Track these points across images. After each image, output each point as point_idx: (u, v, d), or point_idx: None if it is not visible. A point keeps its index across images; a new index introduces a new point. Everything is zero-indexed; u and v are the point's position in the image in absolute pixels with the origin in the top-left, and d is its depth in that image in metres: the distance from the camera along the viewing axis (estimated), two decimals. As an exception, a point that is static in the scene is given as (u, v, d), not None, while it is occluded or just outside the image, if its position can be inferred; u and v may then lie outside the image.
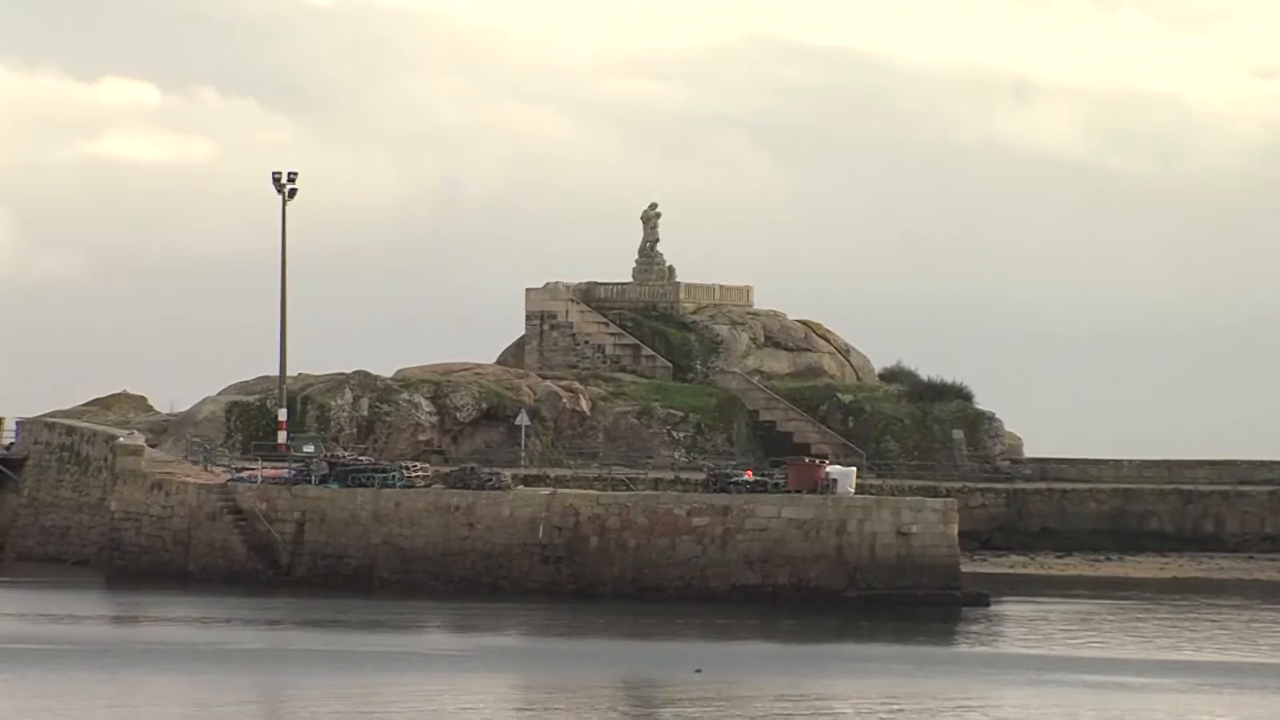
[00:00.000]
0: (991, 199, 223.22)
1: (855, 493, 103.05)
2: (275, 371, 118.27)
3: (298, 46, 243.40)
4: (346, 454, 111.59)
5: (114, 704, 59.38)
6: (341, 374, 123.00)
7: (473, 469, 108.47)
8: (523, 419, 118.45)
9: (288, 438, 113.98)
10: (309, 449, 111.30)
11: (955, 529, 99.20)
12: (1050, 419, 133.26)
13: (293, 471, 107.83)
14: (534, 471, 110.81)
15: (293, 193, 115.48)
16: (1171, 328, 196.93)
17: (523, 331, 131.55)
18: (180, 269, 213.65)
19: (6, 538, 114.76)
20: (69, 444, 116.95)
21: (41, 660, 70.10)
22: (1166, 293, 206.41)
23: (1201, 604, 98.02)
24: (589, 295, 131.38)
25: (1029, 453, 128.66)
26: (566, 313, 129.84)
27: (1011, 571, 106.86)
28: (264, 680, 67.32)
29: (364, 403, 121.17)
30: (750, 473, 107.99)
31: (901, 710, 60.86)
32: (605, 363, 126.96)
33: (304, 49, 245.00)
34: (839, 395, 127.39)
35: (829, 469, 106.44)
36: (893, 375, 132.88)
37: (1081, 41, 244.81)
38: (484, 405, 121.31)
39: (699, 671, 67.42)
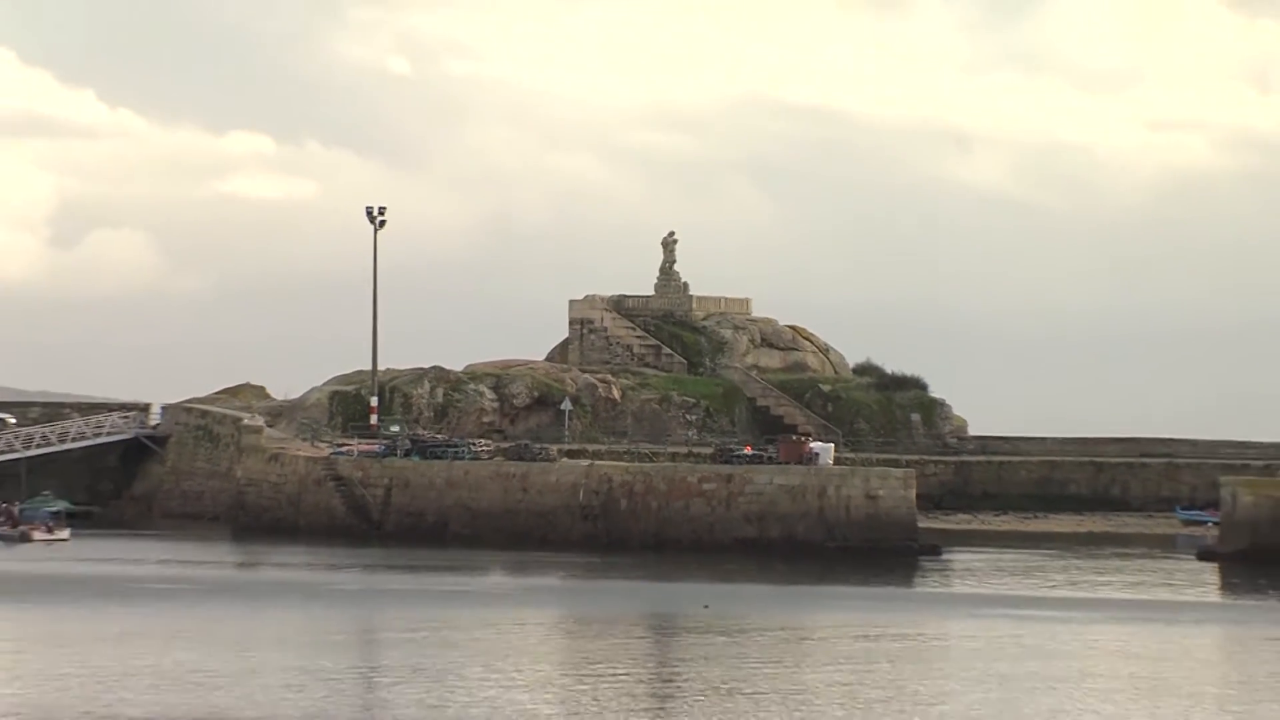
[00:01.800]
0: (940, 227, 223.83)
1: (833, 464, 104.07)
2: (368, 366, 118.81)
3: (384, 105, 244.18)
4: (425, 433, 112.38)
5: (239, 631, 59.97)
6: (421, 368, 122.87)
7: (526, 445, 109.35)
8: (566, 405, 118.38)
9: (378, 420, 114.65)
10: (395, 429, 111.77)
11: (913, 493, 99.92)
12: (990, 404, 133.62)
13: (382, 447, 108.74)
14: (575, 447, 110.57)
15: (382, 223, 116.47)
16: (1085, 331, 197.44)
17: (566, 334, 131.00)
18: (291, 284, 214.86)
19: (154, 500, 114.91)
20: (203, 425, 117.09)
21: (182, 596, 70.89)
22: (1080, 303, 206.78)
23: (1109, 553, 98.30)
24: (619, 305, 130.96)
25: (973, 431, 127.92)
26: (601, 320, 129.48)
27: (958, 527, 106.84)
28: (360, 613, 68.11)
29: (439, 391, 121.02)
30: (749, 448, 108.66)
31: (871, 636, 61.66)
32: (632, 360, 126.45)
33: (389, 107, 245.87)
34: (820, 386, 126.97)
35: (812, 445, 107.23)
36: (863, 369, 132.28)
37: (1011, 101, 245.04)
38: (535, 394, 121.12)
39: (707, 607, 68.05)
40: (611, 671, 51.88)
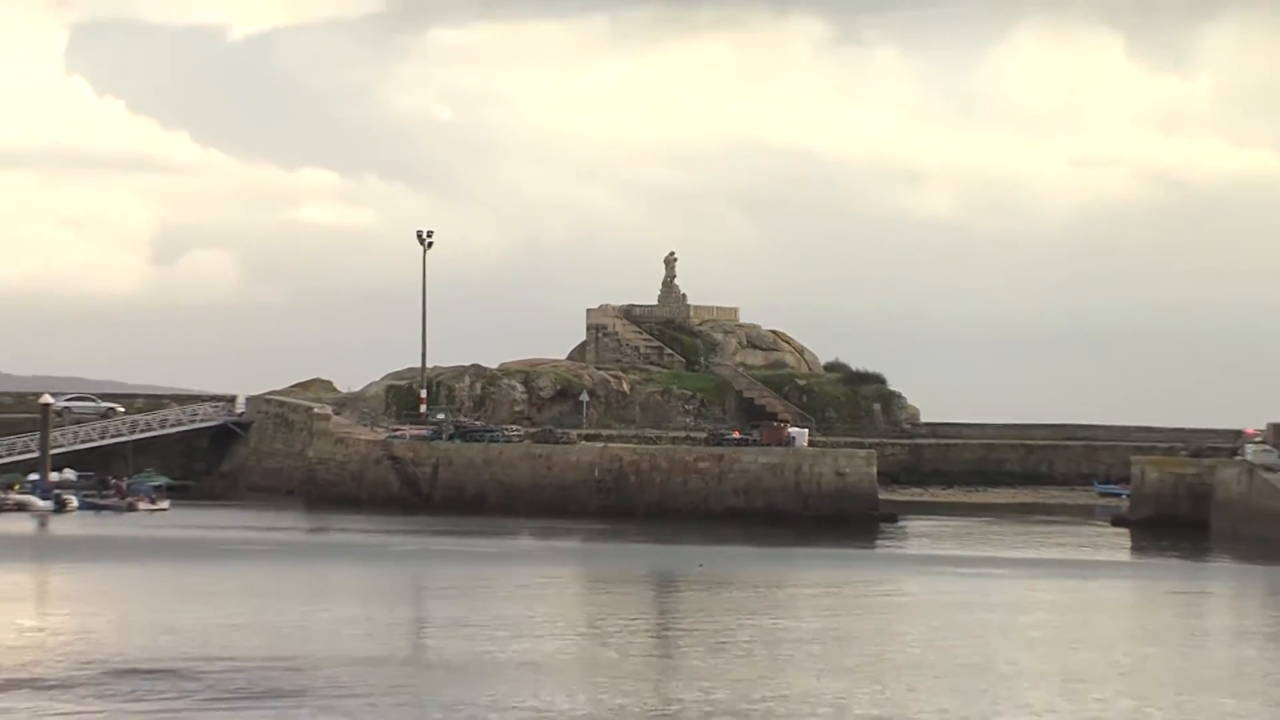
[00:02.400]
0: (897, 247, 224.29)
1: (807, 446, 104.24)
2: (418, 364, 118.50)
3: (431, 146, 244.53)
4: (466, 420, 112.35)
5: (310, 585, 60.24)
6: (462, 366, 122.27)
7: (550, 430, 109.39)
8: (584, 396, 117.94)
9: (426, 409, 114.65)
10: (441, 416, 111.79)
11: (874, 470, 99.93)
12: (939, 396, 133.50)
13: (430, 432, 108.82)
14: (591, 432, 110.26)
15: (430, 245, 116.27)
16: (1018, 334, 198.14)
17: (584, 338, 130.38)
18: (353, 295, 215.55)
19: (239, 476, 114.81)
20: (280, 413, 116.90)
21: (261, 556, 71.02)
22: (1015, 311, 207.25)
23: (1038, 520, 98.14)
24: (628, 313, 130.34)
25: (924, 418, 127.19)
26: (613, 325, 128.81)
27: (912, 499, 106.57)
28: (413, 569, 68.05)
29: (477, 385, 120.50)
30: (737, 432, 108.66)
31: (839, 588, 61.96)
32: (639, 359, 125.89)
33: (435, 148, 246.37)
34: (796, 380, 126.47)
35: (790, 430, 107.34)
36: (832, 367, 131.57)
37: (956, 141, 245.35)
38: (558, 387, 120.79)
39: (701, 566, 68.41)
40: (621, 619, 52.04)
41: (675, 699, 35.20)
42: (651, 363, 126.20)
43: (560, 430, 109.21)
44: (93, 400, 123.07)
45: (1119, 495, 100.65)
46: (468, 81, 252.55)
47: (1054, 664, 42.18)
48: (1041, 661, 42.58)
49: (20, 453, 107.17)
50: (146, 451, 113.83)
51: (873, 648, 44.20)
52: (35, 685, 35.66)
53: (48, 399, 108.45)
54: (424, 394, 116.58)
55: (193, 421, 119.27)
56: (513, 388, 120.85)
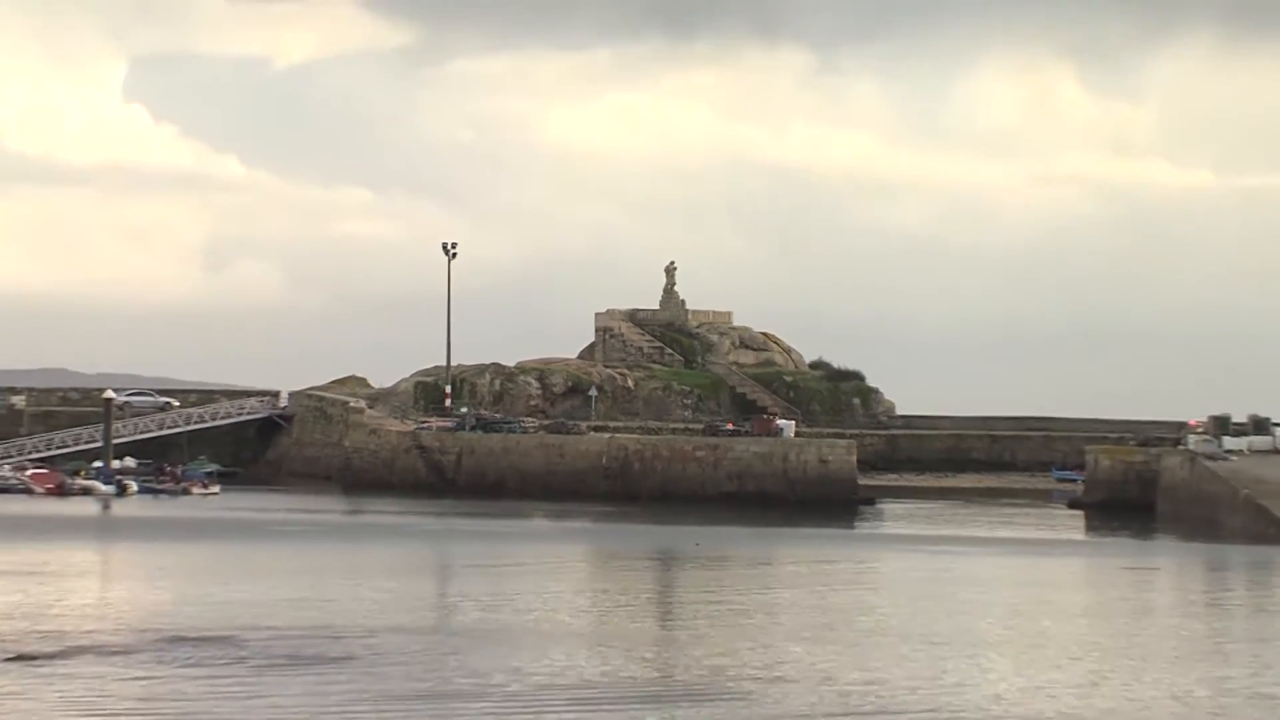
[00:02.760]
0: (875, 257, 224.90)
1: (794, 436, 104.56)
2: (444, 362, 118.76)
3: (455, 166, 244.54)
4: (486, 413, 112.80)
5: (347, 559, 60.42)
6: (483, 364, 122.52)
7: (562, 422, 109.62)
8: (593, 392, 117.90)
9: (451, 403, 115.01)
10: (464, 410, 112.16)
11: (854, 458, 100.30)
12: (912, 391, 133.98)
13: (454, 423, 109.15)
14: (599, 424, 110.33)
15: (454, 255, 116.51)
16: (985, 335, 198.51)
17: (592, 338, 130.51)
18: (385, 300, 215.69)
19: (282, 463, 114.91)
20: (319, 406, 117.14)
21: (302, 535, 71.24)
22: (981, 314, 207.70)
23: (1002, 503, 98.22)
24: (633, 317, 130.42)
25: (899, 412, 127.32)
26: (619, 328, 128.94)
27: (888, 484, 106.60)
28: (439, 547, 68.28)
29: (497, 381, 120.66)
30: (731, 424, 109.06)
31: (823, 564, 61.93)
32: (642, 358, 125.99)
33: (459, 167, 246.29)
34: (784, 377, 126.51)
35: (778, 422, 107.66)
36: (816, 365, 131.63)
37: (928, 161, 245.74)
38: (569, 383, 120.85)
39: (698, 544, 68.53)
40: (626, 591, 52.27)
41: (676, 665, 35.30)
42: (653, 361, 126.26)
43: (571, 422, 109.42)
44: (150, 395, 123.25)
45: (1074, 481, 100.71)
46: (487, 107, 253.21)
47: (1016, 633, 42.25)
48: (1005, 631, 42.60)
49: (86, 442, 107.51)
50: (199, 441, 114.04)
51: (853, 619, 44.19)
52: (98, 651, 35.77)
53: (110, 394, 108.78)
54: (449, 389, 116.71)
55: (241, 414, 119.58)
56: (528, 384, 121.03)
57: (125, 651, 35.77)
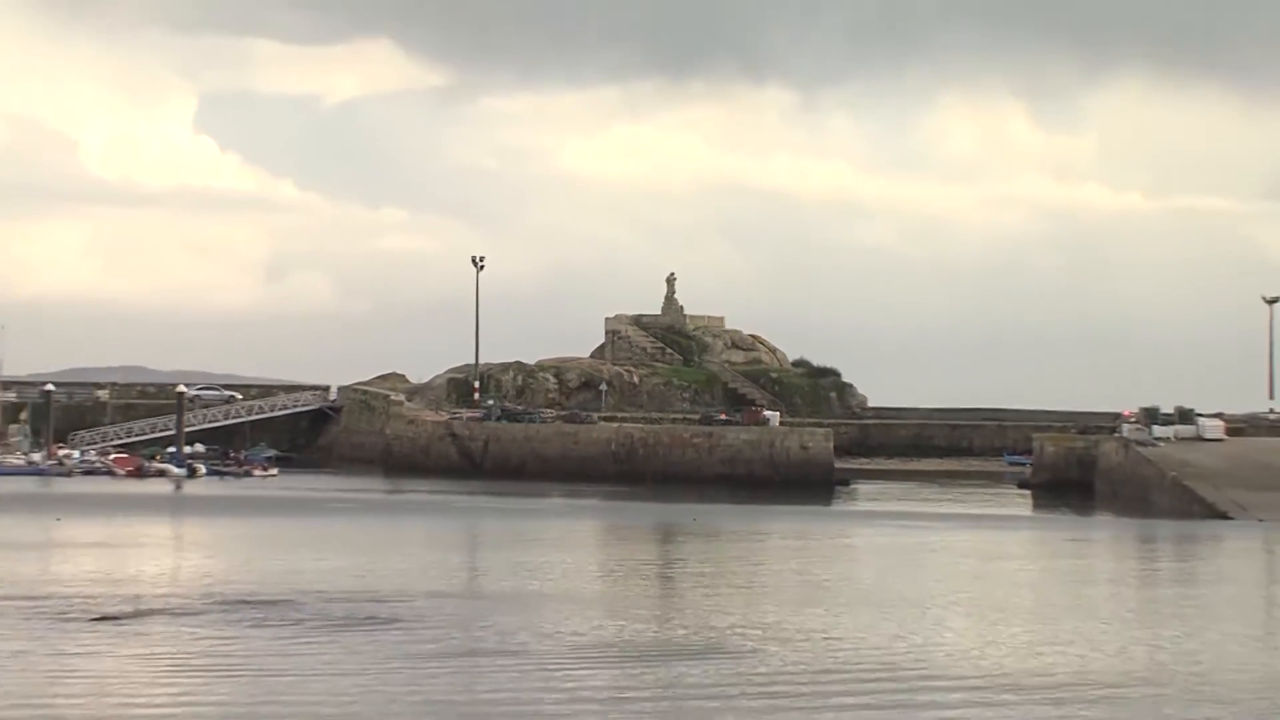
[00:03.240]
0: (850, 269, 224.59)
1: (779, 425, 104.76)
2: (473, 360, 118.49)
3: (482, 190, 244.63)
4: (510, 405, 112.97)
5: (388, 533, 60.41)
6: (507, 362, 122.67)
7: (576, 413, 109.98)
8: (603, 386, 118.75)
9: (479, 396, 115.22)
10: (490, 402, 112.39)
11: (831, 444, 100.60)
12: (882, 386, 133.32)
13: (482, 414, 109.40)
14: (608, 414, 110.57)
15: (481, 267, 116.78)
16: (945, 337, 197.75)
17: (602, 340, 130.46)
18: (422, 306, 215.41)
19: (332, 449, 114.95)
20: (364, 399, 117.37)
21: (350, 511, 71.26)
22: (942, 319, 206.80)
23: (960, 484, 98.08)
24: (638, 321, 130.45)
25: (871, 404, 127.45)
26: (625, 331, 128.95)
27: (861, 467, 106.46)
28: (468, 521, 68.19)
29: (519, 377, 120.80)
30: (724, 415, 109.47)
31: (803, 537, 62.06)
32: (646, 357, 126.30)
33: (486, 191, 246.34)
34: (770, 374, 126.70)
35: (765, 413, 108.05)
36: (798, 363, 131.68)
37: (895, 186, 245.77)
38: (582, 379, 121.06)
39: (695, 520, 68.74)
40: (633, 559, 52.41)
41: (677, 626, 35.32)
42: (656, 360, 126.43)
43: (584, 413, 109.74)
44: (217, 390, 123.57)
45: (1023, 464, 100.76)
46: (510, 139, 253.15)
47: (972, 595, 42.27)
48: (962, 593, 42.65)
49: (161, 431, 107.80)
50: (259, 430, 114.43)
51: (833, 585, 44.23)
52: (172, 613, 35.81)
53: (182, 389, 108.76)
54: (477, 385, 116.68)
55: (295, 406, 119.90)
56: (547, 380, 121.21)
57: (195, 613, 35.80)
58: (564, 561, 50.27)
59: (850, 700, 26.58)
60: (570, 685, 27.37)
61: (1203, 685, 28.68)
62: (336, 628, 33.46)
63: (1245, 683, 29.18)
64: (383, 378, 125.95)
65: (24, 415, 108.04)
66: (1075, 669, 30.23)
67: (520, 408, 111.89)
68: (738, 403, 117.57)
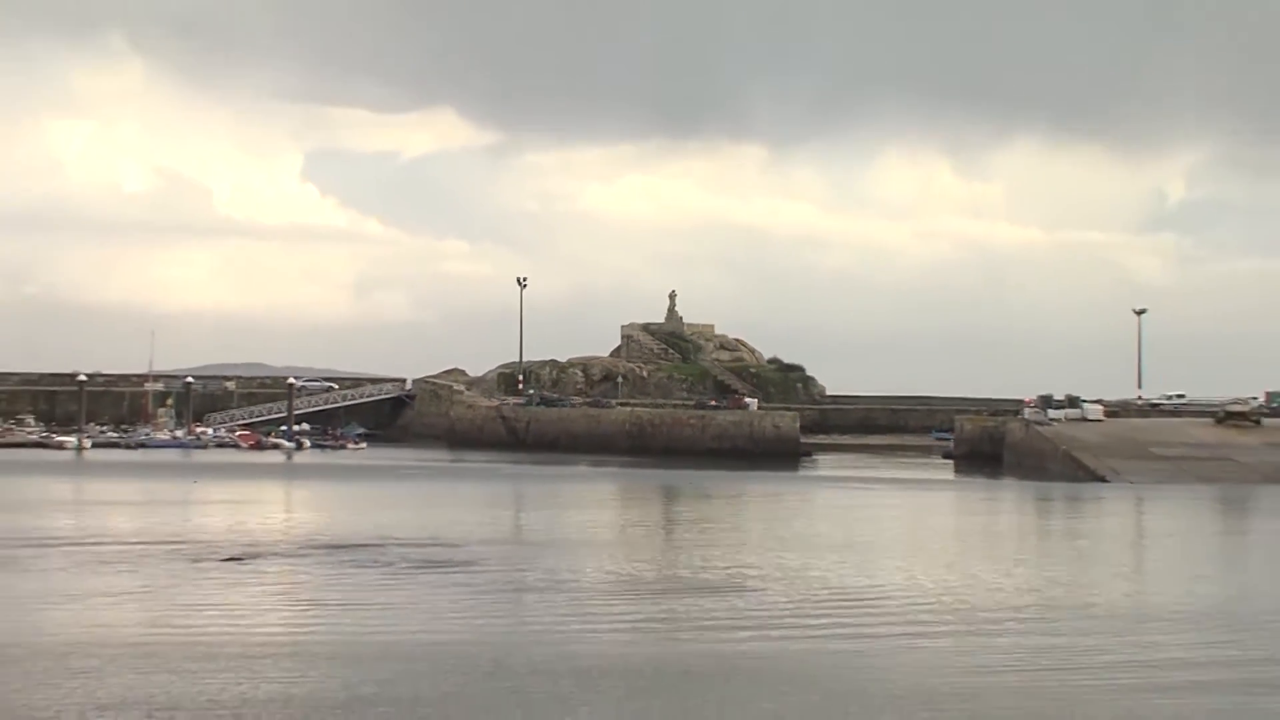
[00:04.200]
0: (813, 287, 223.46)
1: (757, 409, 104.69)
2: (518, 359, 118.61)
3: (525, 225, 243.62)
4: (547, 393, 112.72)
5: (451, 493, 60.06)
6: (544, 360, 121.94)
7: (598, 400, 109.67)
8: (619, 379, 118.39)
9: (522, 387, 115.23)
10: (531, 391, 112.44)
11: (798, 425, 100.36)
12: (838, 378, 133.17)
13: (525, 400, 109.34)
14: (623, 401, 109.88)
15: (525, 285, 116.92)
16: (888, 341, 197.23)
17: (619, 343, 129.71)
18: (478, 316, 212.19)
19: (408, 428, 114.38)
20: (433, 389, 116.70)
21: (422, 476, 70.82)
22: (885, 326, 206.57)
23: (898, 455, 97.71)
24: (646, 329, 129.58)
25: (829, 393, 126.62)
26: (637, 335, 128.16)
27: (821, 442, 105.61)
28: (514, 484, 67.72)
29: (554, 372, 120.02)
30: (714, 401, 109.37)
31: (775, 495, 61.79)
32: (653, 356, 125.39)
33: (528, 227, 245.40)
34: (750, 369, 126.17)
35: (746, 400, 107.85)
36: (773, 361, 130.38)
37: (849, 224, 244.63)
38: (603, 373, 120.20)
39: (692, 485, 68.86)
40: (642, 514, 52.52)
41: (677, 565, 35.50)
42: (660, 359, 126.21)
43: (605, 400, 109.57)
44: (319, 382, 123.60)
45: (947, 439, 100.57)
46: (546, 186, 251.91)
47: (905, 540, 42.50)
48: (898, 539, 42.90)
49: (275, 413, 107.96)
50: (351, 413, 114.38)
51: (800, 534, 44.39)
52: (280, 555, 35.98)
53: (292, 381, 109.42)
54: (521, 378, 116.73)
55: (379, 394, 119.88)
56: (575, 374, 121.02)
57: (303, 556, 36.01)
58: (589, 515, 50.29)
59: (823, 619, 26.90)
60: (603, 613, 27.61)
61: (1086, 609, 28.87)
62: (416, 568, 33.53)
63: (1118, 607, 29.38)
64: (447, 372, 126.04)
65: (170, 401, 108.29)
66: (983, 597, 30.44)
67: (555, 396, 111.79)
68: (724, 392, 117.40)
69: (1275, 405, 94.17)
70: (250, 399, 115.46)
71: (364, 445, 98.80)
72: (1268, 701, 20.92)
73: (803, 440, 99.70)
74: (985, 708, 19.88)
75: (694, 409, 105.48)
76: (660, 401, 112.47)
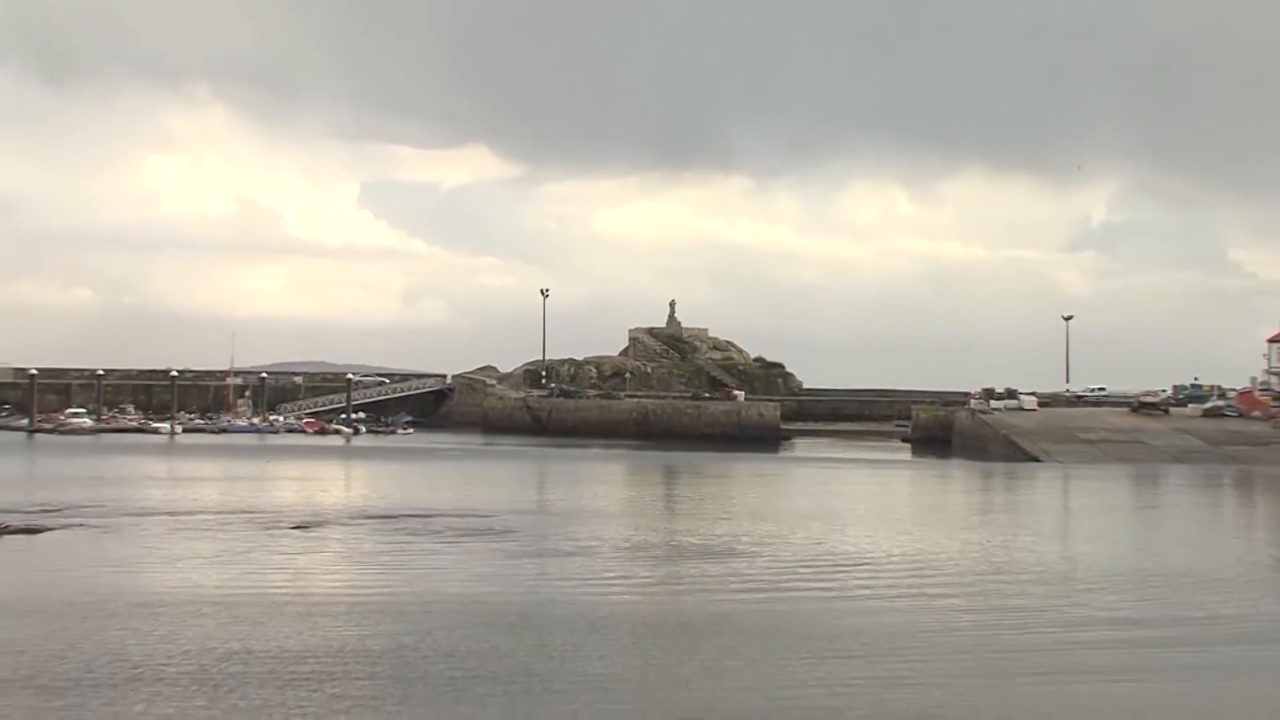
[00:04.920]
0: (792, 298, 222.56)
1: (744, 401, 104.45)
2: (541, 357, 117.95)
3: (547, 245, 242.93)
4: (566, 386, 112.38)
5: (485, 471, 59.47)
6: (563, 358, 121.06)
7: (610, 392, 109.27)
8: (628, 375, 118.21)
9: (545, 381, 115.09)
10: (553, 385, 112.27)
11: (779, 414, 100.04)
12: (814, 375, 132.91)
13: (547, 393, 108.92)
14: (630, 393, 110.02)
15: (547, 296, 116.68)
16: (853, 342, 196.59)
17: (627, 344, 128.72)
18: (507, 321, 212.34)
19: (448, 416, 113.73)
20: (469, 383, 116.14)
21: (459, 457, 70.67)
22: (852, 330, 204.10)
23: (864, 440, 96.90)
24: (650, 332, 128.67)
25: (806, 386, 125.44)
26: (642, 338, 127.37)
27: (798, 428, 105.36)
28: (536, 464, 67.37)
29: (571, 369, 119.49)
30: (707, 394, 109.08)
31: (760, 475, 61.21)
32: (656, 355, 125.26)
33: (550, 246, 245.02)
34: (739, 367, 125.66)
35: (735, 393, 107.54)
36: (757, 359, 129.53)
37: (821, 243, 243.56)
38: (614, 370, 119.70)
39: (688, 465, 68.68)
40: (648, 488, 52.38)
41: (677, 531, 35.46)
42: (662, 358, 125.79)
43: (615, 393, 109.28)
44: (373, 377, 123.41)
45: (906, 426, 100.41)
46: (564, 210, 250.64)
47: (870, 510, 42.40)
48: (864, 509, 42.74)
49: (336, 404, 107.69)
50: (400, 403, 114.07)
51: (776, 503, 44.34)
52: (344, 524, 35.96)
53: (350, 376, 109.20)
54: (544, 374, 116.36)
55: (424, 388, 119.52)
56: (590, 370, 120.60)
57: (359, 524, 35.99)
58: (602, 490, 50.14)
59: (802, 580, 26.87)
60: (614, 575, 27.52)
61: (1019, 568, 28.84)
62: (461, 536, 33.41)
63: (1047, 564, 29.37)
64: (481, 369, 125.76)
65: (247, 393, 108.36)
66: (934, 555, 30.47)
67: (572, 389, 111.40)
68: (716, 386, 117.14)
69: (1181, 397, 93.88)
70: (315, 391, 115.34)
71: (411, 431, 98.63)
72: (1163, 653, 20.81)
73: (783, 427, 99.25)
74: (940, 649, 19.85)
75: (690, 400, 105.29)
76: (662, 394, 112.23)
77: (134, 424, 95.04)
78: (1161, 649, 20.73)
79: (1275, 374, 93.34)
